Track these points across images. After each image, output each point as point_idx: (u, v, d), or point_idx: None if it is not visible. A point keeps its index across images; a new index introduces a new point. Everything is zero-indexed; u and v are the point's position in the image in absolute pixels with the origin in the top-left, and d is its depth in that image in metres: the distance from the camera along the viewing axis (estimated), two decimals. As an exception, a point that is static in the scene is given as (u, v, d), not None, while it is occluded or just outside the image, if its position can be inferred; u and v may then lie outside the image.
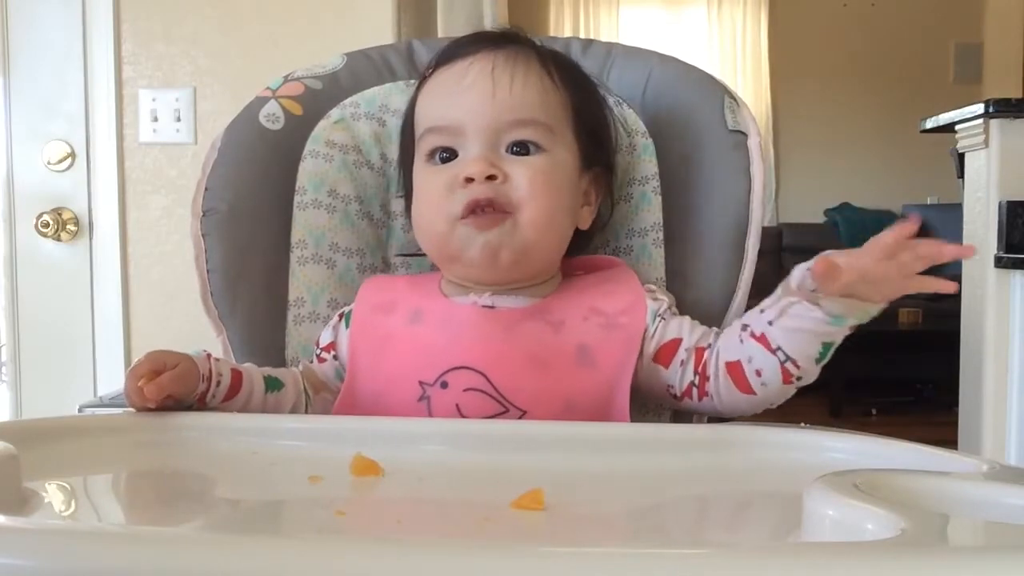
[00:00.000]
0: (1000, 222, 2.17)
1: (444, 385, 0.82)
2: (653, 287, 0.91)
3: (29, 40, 2.08)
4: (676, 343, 0.85)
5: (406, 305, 0.88)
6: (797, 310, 0.75)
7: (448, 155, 0.86)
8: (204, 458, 0.74)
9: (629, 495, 0.66)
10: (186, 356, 0.82)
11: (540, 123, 0.85)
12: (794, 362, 0.77)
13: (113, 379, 2.10)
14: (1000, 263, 2.17)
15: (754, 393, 0.80)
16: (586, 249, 0.96)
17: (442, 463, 0.70)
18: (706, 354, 0.84)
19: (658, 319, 0.86)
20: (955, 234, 2.60)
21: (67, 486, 0.66)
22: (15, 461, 0.58)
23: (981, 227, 2.25)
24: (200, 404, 0.82)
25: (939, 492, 0.51)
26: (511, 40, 0.89)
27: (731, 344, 0.81)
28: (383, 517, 0.60)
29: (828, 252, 0.71)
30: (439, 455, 0.71)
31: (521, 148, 0.84)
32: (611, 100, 0.99)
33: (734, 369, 0.80)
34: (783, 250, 5.67)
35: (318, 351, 0.93)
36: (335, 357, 0.92)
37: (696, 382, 0.84)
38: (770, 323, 0.77)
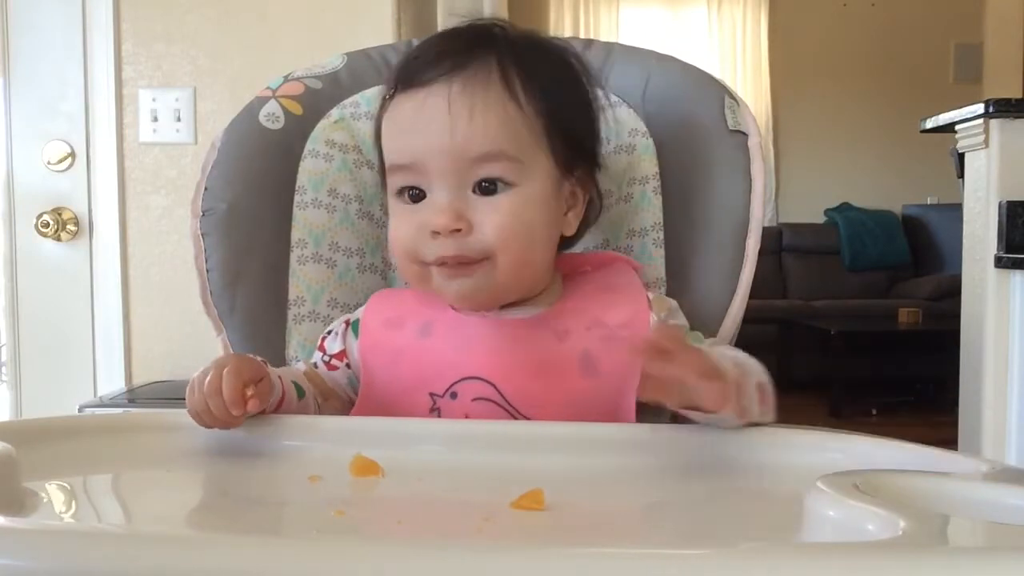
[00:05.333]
0: (1000, 222, 2.17)
1: (454, 396, 0.82)
2: (649, 296, 0.88)
3: (29, 40, 2.08)
4: None
5: (416, 318, 0.87)
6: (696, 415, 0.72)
7: (417, 192, 0.82)
8: (204, 458, 0.74)
9: (629, 495, 0.66)
10: (262, 365, 0.79)
11: (506, 156, 0.80)
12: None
13: (113, 379, 2.10)
14: (1000, 263, 2.18)
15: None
16: (577, 242, 0.94)
17: (442, 463, 0.70)
18: None
19: None
20: (955, 234, 2.60)
21: (67, 486, 0.66)
22: (14, 461, 0.58)
23: (981, 227, 2.25)
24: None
25: (939, 492, 0.51)
26: (475, 47, 0.83)
27: None
28: (383, 517, 0.60)
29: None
30: (439, 455, 0.71)
31: (489, 184, 0.80)
32: (599, 91, 0.92)
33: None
34: (783, 250, 5.68)
35: (326, 358, 0.91)
36: (348, 366, 0.90)
37: None
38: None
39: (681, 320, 0.88)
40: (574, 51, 0.92)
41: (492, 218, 0.80)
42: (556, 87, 0.85)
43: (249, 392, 0.73)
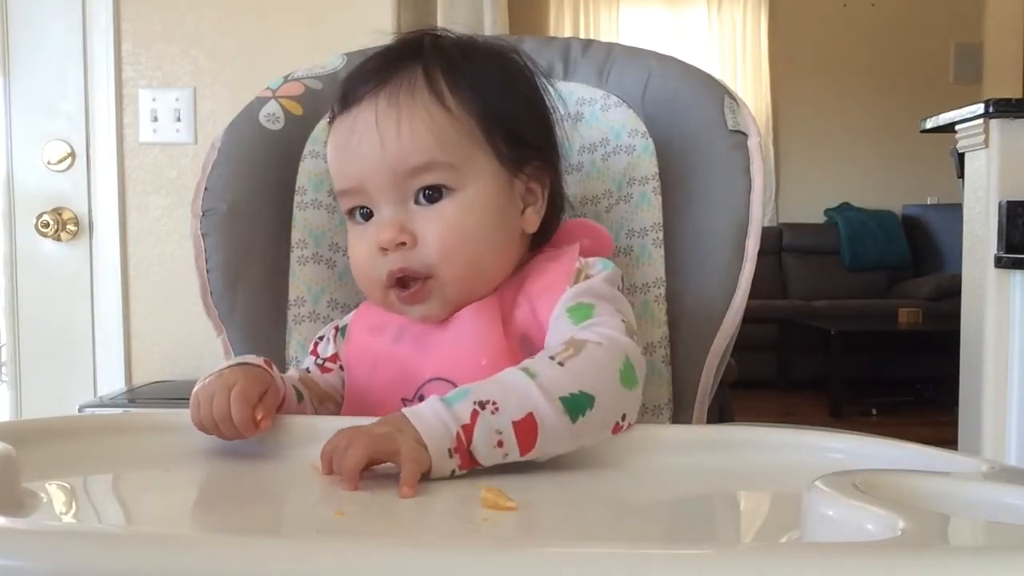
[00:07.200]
0: (1000, 222, 2.17)
1: (421, 399, 0.81)
2: (580, 264, 0.84)
3: (29, 40, 2.08)
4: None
5: (393, 326, 0.87)
6: None
7: (367, 211, 0.84)
8: (204, 458, 0.74)
9: (630, 495, 0.66)
10: (265, 373, 0.79)
11: (440, 163, 0.80)
12: None
13: (113, 379, 2.10)
14: (1000, 263, 2.18)
15: None
16: (553, 232, 0.92)
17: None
18: None
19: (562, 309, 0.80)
20: (955, 234, 2.60)
21: (67, 486, 0.66)
22: (14, 461, 0.58)
23: (981, 227, 2.25)
24: None
25: (939, 492, 0.50)
26: (401, 59, 0.83)
27: None
28: (383, 517, 0.59)
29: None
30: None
31: (433, 192, 0.81)
32: (543, 79, 0.90)
33: None
34: (783, 250, 5.68)
35: (320, 361, 0.92)
36: (341, 368, 0.91)
37: None
38: None
39: (595, 284, 0.82)
40: (515, 49, 0.91)
41: (435, 229, 0.80)
42: (490, 86, 0.84)
43: (259, 415, 0.73)
